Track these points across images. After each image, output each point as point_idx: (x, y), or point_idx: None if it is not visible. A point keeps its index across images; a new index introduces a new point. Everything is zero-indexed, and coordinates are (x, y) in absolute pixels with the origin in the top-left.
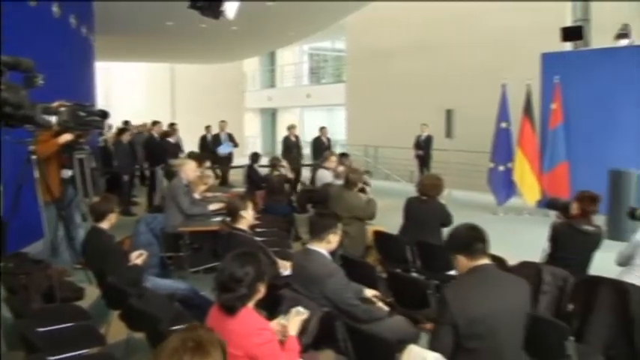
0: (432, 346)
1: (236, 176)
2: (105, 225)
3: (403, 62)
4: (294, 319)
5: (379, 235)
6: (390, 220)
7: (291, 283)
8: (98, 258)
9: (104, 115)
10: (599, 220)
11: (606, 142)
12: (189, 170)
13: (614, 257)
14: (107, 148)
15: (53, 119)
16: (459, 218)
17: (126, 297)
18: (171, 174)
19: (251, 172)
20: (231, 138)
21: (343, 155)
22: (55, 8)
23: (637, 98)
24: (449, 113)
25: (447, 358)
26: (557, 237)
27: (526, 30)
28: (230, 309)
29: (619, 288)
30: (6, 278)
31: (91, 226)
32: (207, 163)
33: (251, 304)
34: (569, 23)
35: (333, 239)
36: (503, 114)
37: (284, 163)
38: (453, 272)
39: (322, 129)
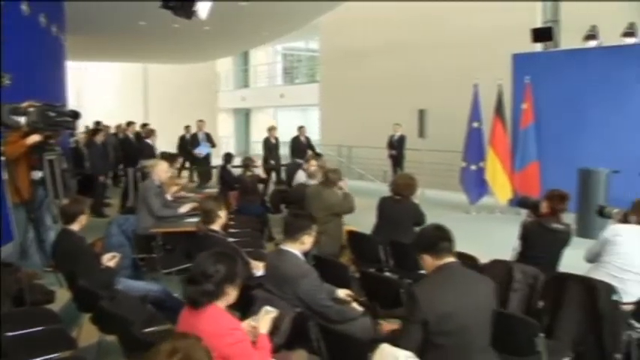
0: (402, 344)
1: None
2: (75, 227)
3: (376, 62)
4: (265, 318)
5: (352, 235)
6: (363, 219)
7: (263, 284)
8: (69, 260)
9: (75, 115)
10: (569, 218)
11: (576, 141)
12: (161, 171)
13: (583, 254)
14: (79, 149)
15: (22, 120)
16: (432, 217)
17: (97, 299)
18: (145, 175)
19: (224, 173)
20: (209, 138)
21: (317, 155)
22: (24, 7)
23: (605, 98)
24: (421, 113)
25: (417, 355)
26: (527, 235)
27: (497, 31)
28: (194, 303)
29: (587, 285)
30: None
31: (61, 228)
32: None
33: (221, 305)
34: (539, 24)
35: (307, 240)
36: (475, 114)
37: (257, 163)
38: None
39: (300, 128)
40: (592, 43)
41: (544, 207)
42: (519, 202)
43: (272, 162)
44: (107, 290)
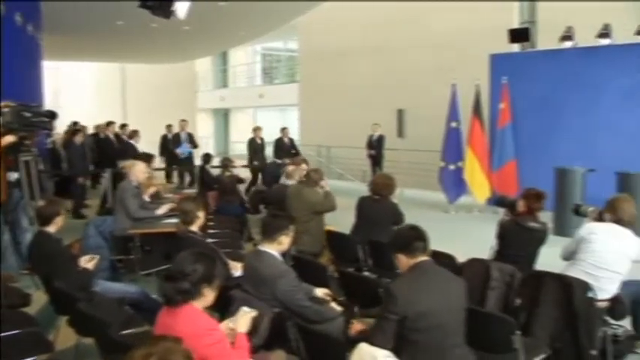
0: (376, 339)
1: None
2: (52, 229)
3: (355, 63)
4: (243, 318)
5: (331, 235)
6: (342, 219)
7: (242, 284)
8: (45, 262)
9: (52, 115)
10: (546, 216)
11: (552, 140)
12: (138, 172)
13: (559, 252)
14: (56, 150)
15: None
16: (410, 217)
17: (74, 302)
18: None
19: (203, 173)
20: (191, 138)
21: (295, 155)
22: None
23: (581, 98)
24: (400, 113)
25: (390, 351)
26: (504, 234)
27: (475, 31)
28: (169, 300)
29: (563, 282)
30: None
31: (37, 230)
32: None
33: (198, 306)
34: (516, 25)
35: (285, 240)
36: (453, 114)
37: (236, 163)
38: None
39: (284, 129)
40: (568, 44)
41: (521, 206)
42: (497, 201)
43: (256, 163)
44: (84, 292)
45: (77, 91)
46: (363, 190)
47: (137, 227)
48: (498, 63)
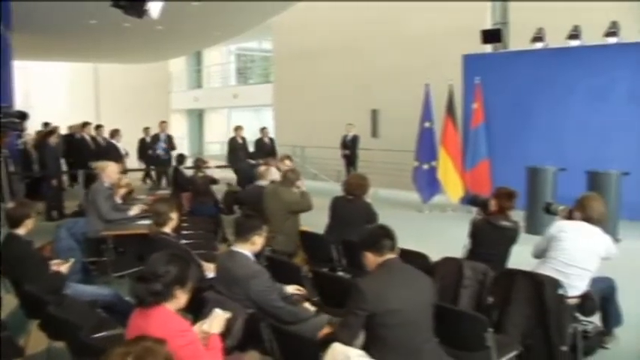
0: (341, 334)
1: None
2: (21, 231)
3: (329, 63)
4: (216, 318)
5: (305, 235)
6: (317, 219)
7: (215, 286)
8: (15, 265)
9: (23, 116)
10: (518, 215)
11: (524, 140)
12: (111, 173)
13: (531, 250)
14: (27, 151)
15: None
16: (384, 216)
17: (45, 305)
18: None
19: (176, 174)
20: (170, 140)
21: (269, 155)
22: None
23: (552, 98)
24: (374, 113)
25: (356, 346)
26: (476, 233)
27: (448, 32)
28: (141, 301)
29: (534, 280)
30: None
31: (7, 232)
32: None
33: (170, 307)
34: (489, 26)
35: (258, 241)
36: (426, 114)
37: (210, 164)
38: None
39: (263, 129)
40: (539, 45)
41: (492, 205)
42: (470, 200)
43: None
44: (55, 296)
45: (49, 91)
46: (338, 190)
47: (110, 229)
48: (471, 63)
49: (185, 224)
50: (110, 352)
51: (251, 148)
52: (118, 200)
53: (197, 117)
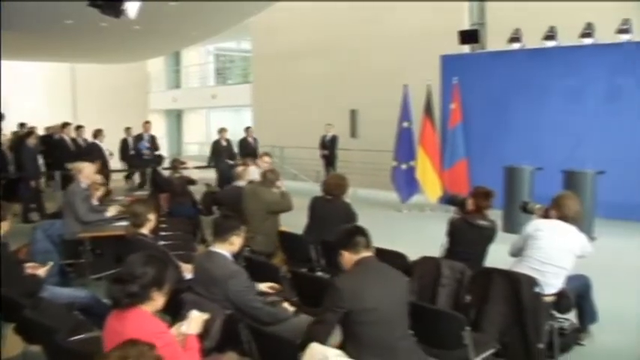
0: (316, 330)
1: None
2: None
3: (308, 63)
4: (194, 319)
5: (284, 235)
6: (296, 219)
7: (193, 287)
8: None
9: None
10: (495, 214)
11: (501, 139)
12: (88, 174)
13: (507, 249)
14: (3, 152)
15: None
16: (364, 216)
17: (20, 309)
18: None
19: (155, 175)
20: (153, 141)
21: (247, 156)
22: None
23: (529, 98)
24: (353, 113)
25: (334, 343)
26: (454, 232)
27: (426, 33)
28: (117, 303)
29: (511, 278)
30: None
31: None
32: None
33: (147, 309)
34: (466, 27)
35: (236, 241)
36: (405, 114)
37: (187, 164)
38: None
39: (248, 129)
40: (516, 46)
41: (470, 204)
42: (448, 199)
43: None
44: (31, 299)
45: (24, 91)
46: (317, 190)
47: (87, 230)
48: (449, 64)
49: (163, 225)
50: (107, 354)
51: (235, 149)
52: (95, 202)
53: (176, 117)
